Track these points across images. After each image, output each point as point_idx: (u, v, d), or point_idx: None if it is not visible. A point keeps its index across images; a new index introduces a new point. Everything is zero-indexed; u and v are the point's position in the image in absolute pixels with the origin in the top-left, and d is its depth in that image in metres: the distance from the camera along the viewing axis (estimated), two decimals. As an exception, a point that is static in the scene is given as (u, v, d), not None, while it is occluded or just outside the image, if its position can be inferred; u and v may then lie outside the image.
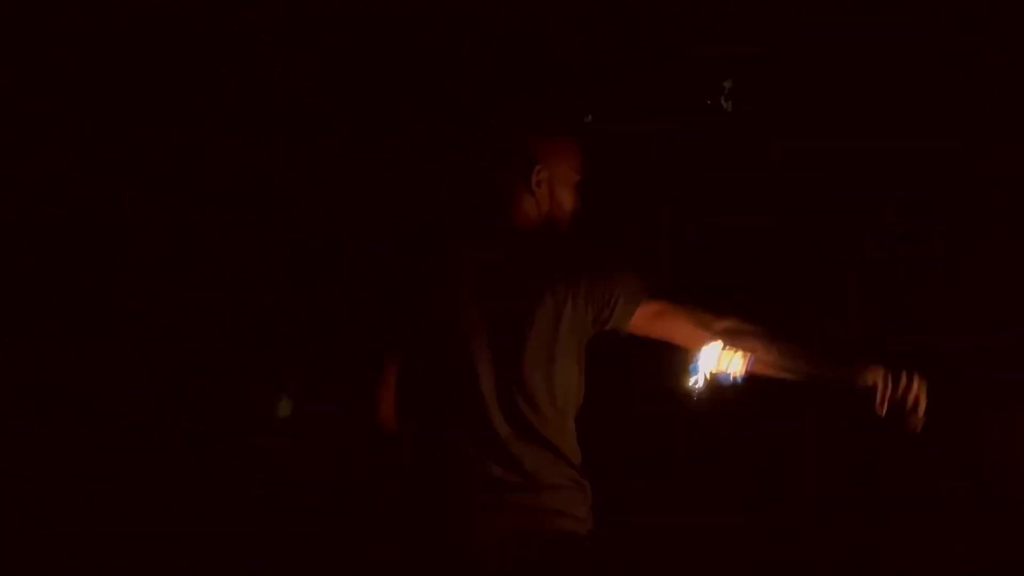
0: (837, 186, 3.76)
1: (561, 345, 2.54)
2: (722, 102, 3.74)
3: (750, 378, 2.55)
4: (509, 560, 2.43)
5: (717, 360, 2.64)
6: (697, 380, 2.61)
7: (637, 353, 2.75)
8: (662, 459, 3.73)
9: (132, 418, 3.68)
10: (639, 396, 3.52)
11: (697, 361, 2.64)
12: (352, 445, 3.33)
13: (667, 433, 3.65)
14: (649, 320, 2.59)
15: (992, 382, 3.50)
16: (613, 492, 2.68)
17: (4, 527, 3.58)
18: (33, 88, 3.58)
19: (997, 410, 3.41)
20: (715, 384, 2.57)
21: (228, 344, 3.77)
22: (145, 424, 3.69)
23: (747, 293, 3.89)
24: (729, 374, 2.62)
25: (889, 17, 3.59)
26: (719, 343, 2.58)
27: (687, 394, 2.58)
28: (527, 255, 2.62)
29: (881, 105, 3.68)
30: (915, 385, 2.46)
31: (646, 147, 3.89)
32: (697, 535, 3.57)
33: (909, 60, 3.64)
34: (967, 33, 3.59)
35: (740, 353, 2.61)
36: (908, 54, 3.63)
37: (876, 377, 2.47)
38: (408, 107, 3.81)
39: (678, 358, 2.58)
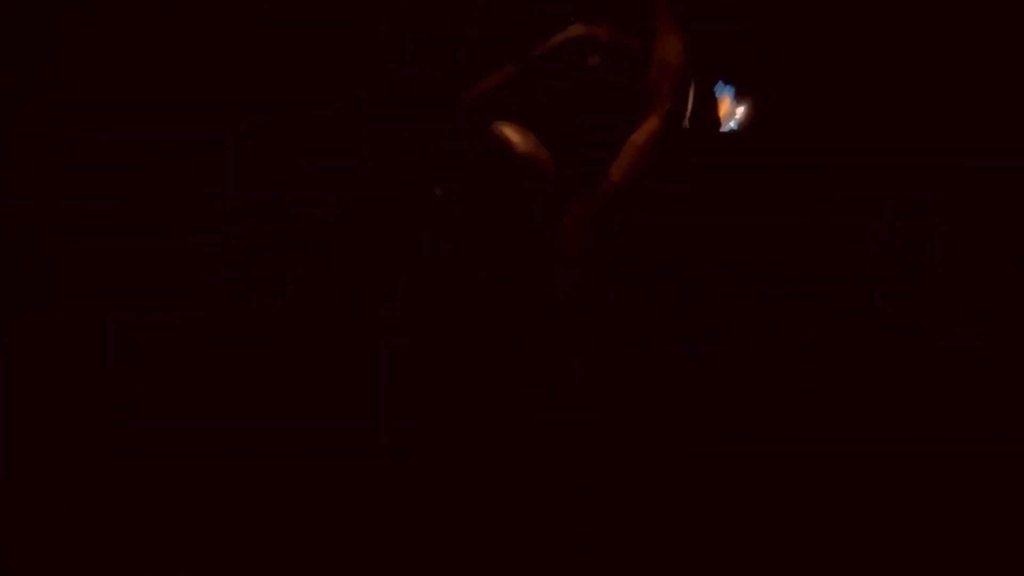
0: (837, 186, 3.77)
1: None
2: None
3: None
4: None
5: None
6: None
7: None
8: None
9: (131, 418, 3.69)
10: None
11: None
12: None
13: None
14: None
15: None
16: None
17: (4, 527, 3.58)
18: (33, 88, 3.58)
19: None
20: None
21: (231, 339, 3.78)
22: (145, 424, 3.70)
23: (746, 292, 3.90)
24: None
25: (889, 17, 3.59)
26: None
27: None
28: None
29: (882, 106, 3.69)
30: None
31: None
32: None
33: (909, 60, 3.64)
34: (967, 33, 3.59)
35: None
36: (908, 54, 3.64)
37: None
38: (408, 106, 3.82)
39: None
